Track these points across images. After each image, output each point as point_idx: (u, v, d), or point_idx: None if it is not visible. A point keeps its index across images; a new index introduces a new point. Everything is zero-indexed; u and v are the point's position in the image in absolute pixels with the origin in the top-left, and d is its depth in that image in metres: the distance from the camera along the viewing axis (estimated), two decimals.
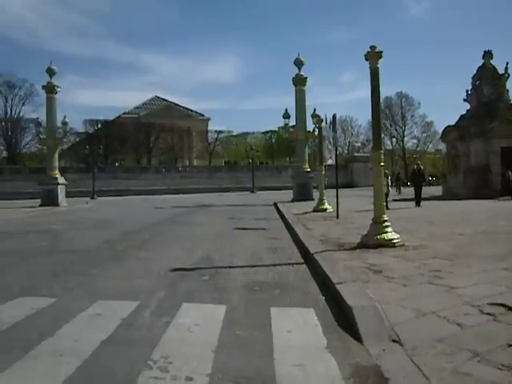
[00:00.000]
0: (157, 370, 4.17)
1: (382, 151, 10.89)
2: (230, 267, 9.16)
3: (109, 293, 7.18)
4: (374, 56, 10.67)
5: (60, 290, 7.51)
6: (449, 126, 35.04)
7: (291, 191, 35.01)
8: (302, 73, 34.16)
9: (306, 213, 21.05)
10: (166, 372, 4.13)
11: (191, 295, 6.93)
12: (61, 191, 34.81)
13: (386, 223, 10.51)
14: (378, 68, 10.70)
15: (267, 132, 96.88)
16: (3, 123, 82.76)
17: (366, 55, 10.74)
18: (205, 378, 4.00)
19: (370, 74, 10.73)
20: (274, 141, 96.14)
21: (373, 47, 10.62)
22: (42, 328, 5.43)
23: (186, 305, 6.32)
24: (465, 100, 35.12)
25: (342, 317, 5.70)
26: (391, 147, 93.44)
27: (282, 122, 37.27)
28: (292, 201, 31.99)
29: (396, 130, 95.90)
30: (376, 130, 11.11)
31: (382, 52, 10.66)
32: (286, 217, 19.37)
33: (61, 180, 35.21)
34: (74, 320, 5.73)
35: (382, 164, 10.75)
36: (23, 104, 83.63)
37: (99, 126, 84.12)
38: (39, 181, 36.38)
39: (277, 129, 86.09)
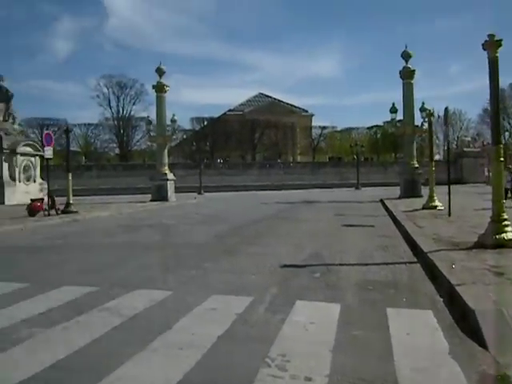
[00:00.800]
0: (275, 368, 4.13)
1: (501, 145, 10.27)
2: (340, 265, 9.01)
3: (222, 287, 7.28)
4: (492, 45, 10.07)
5: (175, 283, 7.71)
6: None
7: (397, 188, 34.14)
8: (409, 65, 33.11)
9: (415, 210, 20.41)
10: (285, 371, 4.08)
11: (304, 292, 6.86)
12: (170, 187, 35.96)
13: (506, 222, 9.91)
14: (497, 57, 10.08)
15: (372, 127, 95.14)
16: (115, 122, 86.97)
17: (483, 44, 10.16)
18: (324, 379, 3.91)
19: (488, 64, 10.13)
20: (379, 136, 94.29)
21: (491, 35, 10.02)
22: (161, 320, 5.57)
23: (299, 302, 6.25)
24: None
25: (464, 320, 5.40)
26: (504, 142, 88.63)
27: (386, 117, 36.41)
28: (399, 197, 31.16)
29: (509, 124, 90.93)
30: (495, 123, 10.51)
31: (501, 40, 10.05)
32: (394, 214, 18.88)
33: (170, 176, 36.36)
34: (190, 314, 5.83)
35: (502, 159, 10.14)
36: (134, 103, 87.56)
37: (205, 123, 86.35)
38: (150, 177, 37.80)
39: (382, 123, 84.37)
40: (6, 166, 33.03)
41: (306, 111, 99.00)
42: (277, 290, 7.06)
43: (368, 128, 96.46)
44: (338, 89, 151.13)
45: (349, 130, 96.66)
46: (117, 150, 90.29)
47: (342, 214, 21.14)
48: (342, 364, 4.22)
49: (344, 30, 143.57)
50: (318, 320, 5.50)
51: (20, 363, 4.39)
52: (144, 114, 69.96)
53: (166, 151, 37.36)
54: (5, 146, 32.87)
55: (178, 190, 38.43)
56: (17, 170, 33.64)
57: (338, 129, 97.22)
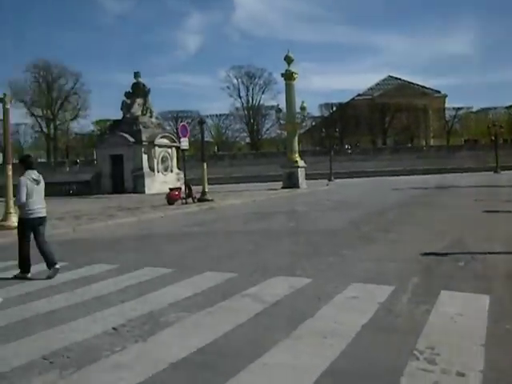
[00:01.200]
0: (424, 362, 3.96)
1: None
2: (486, 253, 8.50)
3: (361, 275, 7.13)
4: None
5: (313, 270, 7.67)
6: None
7: None
8: None
9: None
10: (435, 364, 3.89)
11: (448, 282, 6.55)
12: (301, 174, 36.19)
13: None
14: None
15: (511, 106, 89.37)
16: (246, 112, 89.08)
17: None
18: (478, 375, 3.69)
19: None
20: None
21: None
22: (302, 308, 5.57)
23: (444, 292, 5.97)
24: None
25: None
26: None
27: None
28: None
29: None
30: None
31: None
32: None
33: (301, 163, 36.59)
34: (331, 301, 5.77)
35: None
36: (263, 92, 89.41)
37: (334, 109, 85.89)
38: (281, 164, 38.24)
39: None
40: (145, 157, 34.93)
41: (439, 92, 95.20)
42: (419, 278, 6.81)
43: (506, 107, 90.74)
44: (471, 67, 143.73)
45: (485, 110, 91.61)
46: (247, 139, 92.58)
47: (481, 199, 20.06)
48: (496, 360, 3.97)
49: (475, 5, 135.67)
50: (467, 312, 5.22)
51: (170, 346, 4.56)
52: (273, 103, 71.32)
53: (296, 138, 37.60)
54: (144, 138, 34.76)
55: (308, 176, 38.53)
56: (155, 160, 35.44)
57: (474, 109, 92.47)
